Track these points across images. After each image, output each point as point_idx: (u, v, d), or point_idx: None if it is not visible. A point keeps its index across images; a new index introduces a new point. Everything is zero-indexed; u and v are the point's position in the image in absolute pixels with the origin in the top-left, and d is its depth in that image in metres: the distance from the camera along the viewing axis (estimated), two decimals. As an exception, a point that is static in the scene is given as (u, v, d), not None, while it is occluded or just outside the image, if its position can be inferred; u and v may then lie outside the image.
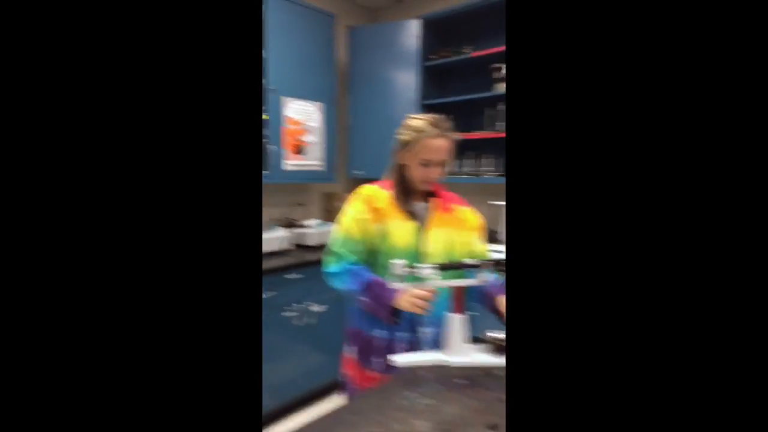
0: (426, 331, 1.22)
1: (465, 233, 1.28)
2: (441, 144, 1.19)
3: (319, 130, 2.73)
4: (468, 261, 1.10)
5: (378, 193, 1.26)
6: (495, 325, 1.17)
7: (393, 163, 1.28)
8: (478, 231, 1.32)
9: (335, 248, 1.23)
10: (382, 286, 1.12)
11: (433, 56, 2.73)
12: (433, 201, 1.27)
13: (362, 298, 1.15)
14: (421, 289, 1.07)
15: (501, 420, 0.83)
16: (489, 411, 0.87)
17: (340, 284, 1.22)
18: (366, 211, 1.23)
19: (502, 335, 1.13)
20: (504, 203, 2.39)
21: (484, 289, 1.20)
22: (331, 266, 1.23)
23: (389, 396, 0.93)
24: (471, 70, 2.71)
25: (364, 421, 0.83)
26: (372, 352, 1.22)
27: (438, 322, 1.20)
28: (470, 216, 1.32)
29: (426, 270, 1.05)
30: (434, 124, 1.20)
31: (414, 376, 1.02)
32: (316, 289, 2.35)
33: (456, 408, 0.88)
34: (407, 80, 2.76)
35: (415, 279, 1.10)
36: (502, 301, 1.16)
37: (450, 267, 1.07)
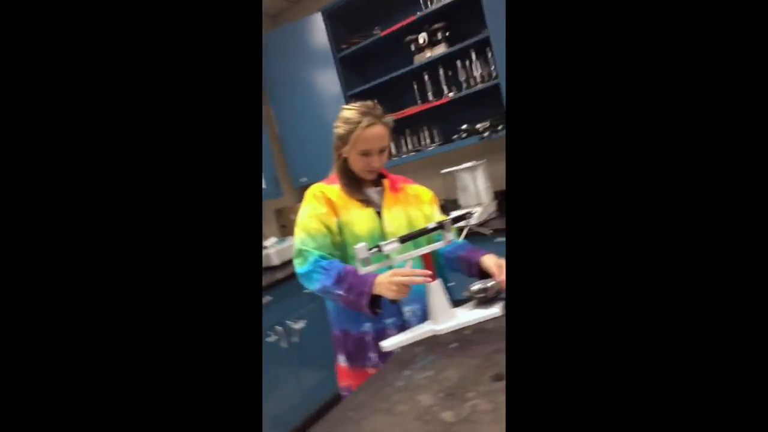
0: (411, 310, 1.17)
1: (421, 207, 1.27)
2: (377, 132, 1.16)
3: (252, 148, 2.63)
4: (426, 227, 1.06)
5: (328, 189, 1.22)
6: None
7: (335, 157, 1.24)
8: (432, 203, 1.30)
9: (301, 247, 1.16)
10: (355, 274, 1.07)
11: (345, 46, 2.69)
12: (383, 182, 1.24)
13: (338, 293, 1.09)
14: (398, 273, 1.02)
15: (503, 368, 0.80)
16: (490, 364, 0.84)
17: (314, 283, 1.14)
18: (321, 205, 1.19)
19: (481, 284, 1.10)
20: (454, 168, 2.39)
21: (461, 257, 1.18)
22: (301, 267, 1.16)
23: (387, 381, 0.88)
24: (387, 49, 2.69)
25: (368, 411, 0.78)
26: (365, 350, 1.17)
27: (420, 297, 1.16)
28: (421, 191, 1.31)
29: (389, 246, 1.01)
30: (366, 113, 1.17)
31: (408, 354, 0.98)
32: (292, 307, 2.27)
33: (456, 371, 0.84)
34: (326, 76, 2.70)
35: (381, 258, 1.05)
36: (487, 260, 1.13)
37: (411, 237, 1.03)
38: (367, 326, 1.17)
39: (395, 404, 0.79)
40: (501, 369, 0.81)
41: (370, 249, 1.00)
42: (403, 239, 1.02)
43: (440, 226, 1.05)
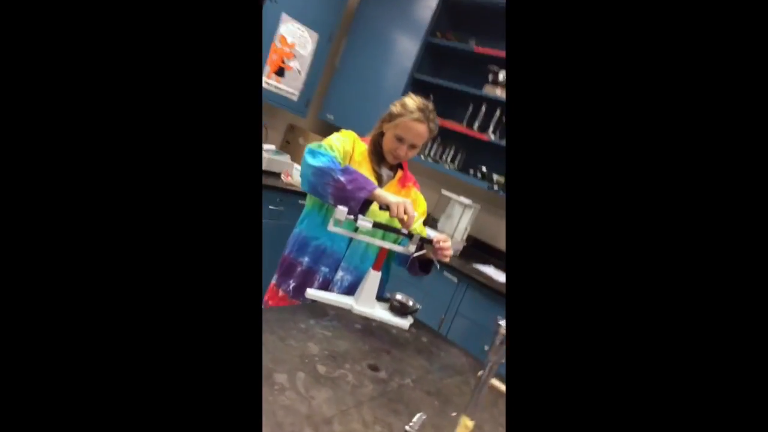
0: (343, 276, 1.31)
1: None
2: (420, 129, 1.27)
3: (307, 61, 2.69)
4: (400, 229, 1.20)
5: (359, 142, 1.34)
6: (406, 291, 1.30)
7: (377, 126, 1.35)
8: (422, 216, 1.43)
9: (320, 149, 1.23)
10: (362, 175, 1.16)
11: (439, 34, 2.76)
12: (398, 172, 1.36)
13: (338, 178, 1.13)
14: (408, 204, 1.12)
15: (381, 365, 0.96)
16: (374, 356, 0.99)
17: (318, 159, 1.18)
18: (350, 145, 1.30)
19: (404, 298, 1.25)
20: (454, 195, 2.53)
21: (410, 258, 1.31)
22: (312, 159, 1.19)
23: (295, 318, 1.02)
24: (468, 62, 2.78)
25: (267, 330, 0.92)
26: (289, 276, 1.31)
27: (355, 272, 1.30)
28: (420, 200, 1.43)
29: (363, 222, 1.14)
30: (422, 109, 1.28)
31: (320, 310, 1.12)
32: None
33: (346, 344, 0.99)
34: (407, 48, 2.77)
35: (350, 227, 1.18)
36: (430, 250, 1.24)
37: (384, 227, 1.17)
38: (306, 260, 1.30)
39: (289, 337, 0.93)
40: (379, 363, 0.96)
41: (348, 215, 1.13)
42: (377, 225, 1.15)
43: (410, 235, 1.19)
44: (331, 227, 1.15)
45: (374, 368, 0.94)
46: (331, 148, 1.26)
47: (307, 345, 0.93)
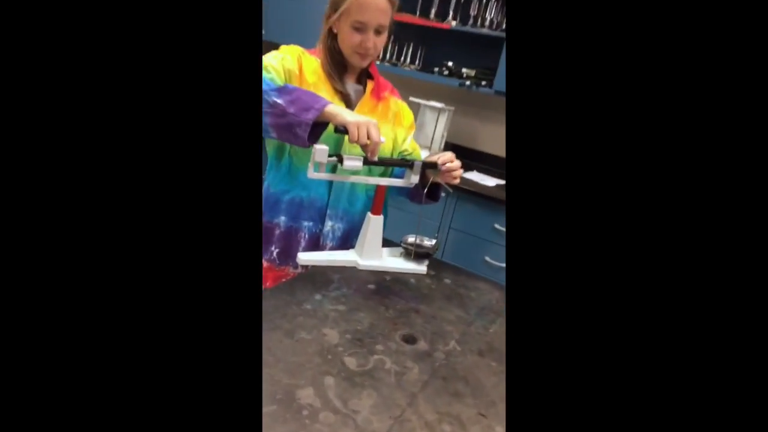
0: (333, 226, 1.09)
1: (397, 129, 1.12)
2: (378, 2, 0.95)
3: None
4: (399, 159, 0.96)
5: (307, 57, 1.02)
6: (392, 218, 1.09)
7: (323, 29, 1.03)
8: (410, 130, 1.18)
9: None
10: (307, 92, 0.88)
11: None
12: (369, 84, 1.07)
13: (276, 101, 0.85)
14: (373, 125, 0.85)
15: (416, 332, 0.78)
16: (403, 321, 0.81)
17: None
18: (293, 63, 0.99)
19: (418, 240, 1.06)
20: (423, 101, 2.25)
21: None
22: None
23: (296, 299, 0.81)
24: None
25: (268, 326, 0.71)
26: (269, 242, 1.07)
27: (347, 217, 1.08)
28: (404, 110, 1.15)
29: (351, 162, 0.89)
30: None
31: (322, 277, 0.91)
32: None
33: (368, 316, 0.80)
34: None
35: (337, 171, 0.94)
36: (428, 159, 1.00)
37: (378, 163, 0.93)
38: (282, 219, 1.06)
39: (298, 328, 0.72)
40: (413, 330, 0.78)
41: (331, 156, 0.88)
42: (370, 162, 0.91)
43: (409, 164, 0.96)
44: (312, 173, 0.89)
45: (410, 339, 0.76)
46: (265, 69, 0.94)
47: (322, 333, 0.72)
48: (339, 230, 1.09)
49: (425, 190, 1.01)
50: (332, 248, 1.08)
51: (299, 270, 1.05)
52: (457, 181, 1.03)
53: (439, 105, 2.21)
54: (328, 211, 1.06)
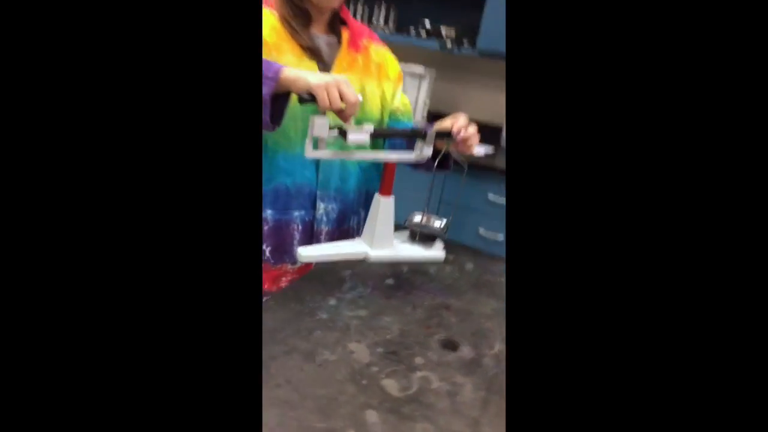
0: (326, 208, 0.93)
1: (382, 83, 0.95)
2: None
3: None
4: (410, 129, 0.82)
5: (263, 14, 0.84)
6: (411, 208, 0.96)
7: None
8: (398, 82, 1.01)
9: None
10: (269, 66, 0.71)
11: None
12: (343, 32, 0.90)
13: None
14: (344, 82, 0.69)
15: (454, 334, 0.65)
16: (436, 322, 0.68)
17: None
18: None
19: (425, 220, 0.92)
20: (402, 66, 2.08)
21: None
22: None
23: (307, 306, 0.67)
24: None
25: (281, 348, 0.57)
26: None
27: (340, 196, 0.93)
28: (388, 58, 0.98)
29: (357, 135, 0.74)
30: None
31: (331, 277, 0.77)
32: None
33: (396, 321, 0.67)
34: None
35: (339, 146, 0.78)
36: (440, 124, 0.85)
37: (388, 135, 0.78)
38: (269, 213, 0.89)
39: (318, 347, 0.58)
40: (450, 332, 0.66)
41: (332, 128, 0.72)
42: (378, 134, 0.76)
43: (422, 134, 0.81)
44: (311, 152, 0.73)
45: (450, 345, 0.63)
46: None
47: (348, 350, 0.59)
48: (333, 212, 0.94)
49: (436, 162, 0.87)
50: (328, 233, 0.93)
51: (298, 265, 0.90)
52: (473, 150, 0.90)
53: (419, 70, 2.05)
54: (319, 193, 0.91)
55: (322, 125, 0.71)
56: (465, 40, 2.05)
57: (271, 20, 0.84)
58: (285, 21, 0.84)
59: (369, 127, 0.75)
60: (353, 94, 0.70)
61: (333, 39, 0.90)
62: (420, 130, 0.81)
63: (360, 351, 0.59)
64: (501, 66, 2.19)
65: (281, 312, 0.65)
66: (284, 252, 0.90)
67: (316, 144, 0.73)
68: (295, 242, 0.91)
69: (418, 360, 0.59)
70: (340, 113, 0.71)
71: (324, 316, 0.65)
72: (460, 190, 1.95)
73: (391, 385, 0.54)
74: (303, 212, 0.91)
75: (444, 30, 2.08)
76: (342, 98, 0.68)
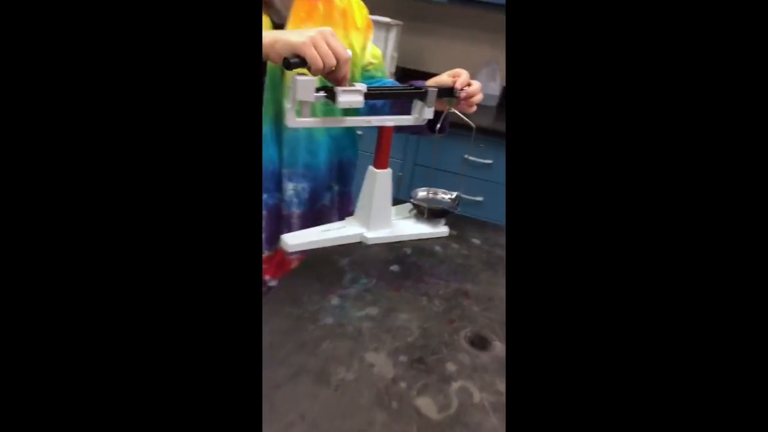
0: (296, 188, 0.79)
1: (349, 33, 0.81)
2: None
3: None
4: (409, 88, 0.69)
5: None
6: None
7: None
8: (367, 31, 0.87)
9: None
10: None
11: None
12: None
13: None
14: (328, 34, 0.57)
15: (482, 327, 0.56)
16: (458, 314, 0.59)
17: None
18: None
19: (431, 194, 0.82)
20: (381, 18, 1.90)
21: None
22: None
23: (307, 311, 0.55)
24: None
25: (288, 372, 0.45)
26: None
27: (310, 172, 0.80)
28: (356, 3, 0.84)
29: (349, 96, 0.61)
30: None
31: (327, 266, 0.65)
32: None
33: (414, 317, 0.57)
34: None
35: (328, 110, 0.65)
36: (436, 80, 0.75)
37: (383, 95, 0.65)
38: None
39: (331, 363, 0.48)
40: (475, 325, 0.57)
41: (319, 90, 0.59)
42: (371, 94, 0.63)
43: (422, 93, 0.69)
44: (293, 120, 0.60)
45: (480, 342, 0.54)
46: None
47: (368, 364, 0.48)
48: (305, 191, 0.81)
49: (439, 124, 0.76)
50: (300, 216, 0.80)
51: (271, 251, 0.78)
52: (474, 108, 0.79)
53: (385, 19, 1.87)
54: (285, 171, 0.77)
55: (307, 86, 0.57)
56: (433, -13, 1.89)
57: None
58: None
59: (362, 86, 0.62)
60: (343, 48, 0.57)
61: None
62: (420, 89, 0.69)
63: (381, 363, 0.49)
64: (472, 13, 2.05)
65: (277, 320, 0.53)
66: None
67: (300, 110, 0.59)
68: (263, 228, 0.78)
69: (450, 367, 0.49)
70: (331, 74, 0.57)
71: (329, 320, 0.54)
72: (417, 149, 1.84)
73: (427, 406, 0.44)
74: (267, 195, 0.78)
75: (409, -25, 1.90)
76: (334, 52, 0.55)
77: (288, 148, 0.76)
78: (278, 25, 0.72)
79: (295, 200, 0.80)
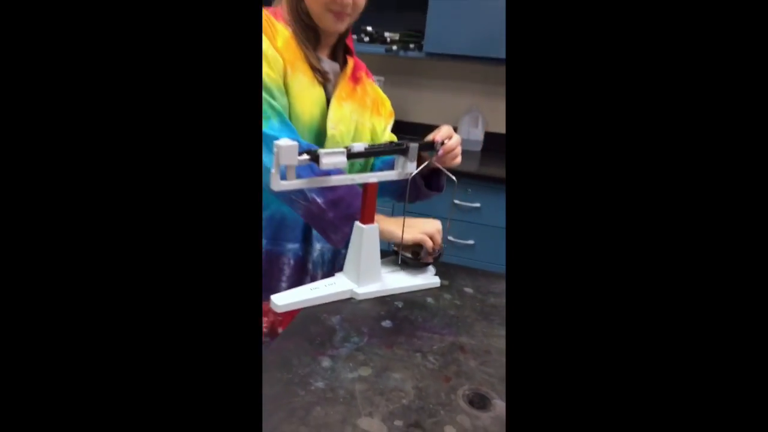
0: (322, 248, 0.85)
1: (373, 117, 0.90)
2: None
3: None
4: (390, 144, 0.71)
5: (274, 24, 0.74)
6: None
7: None
8: (389, 118, 0.96)
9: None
10: (352, 189, 0.73)
11: None
12: (349, 61, 0.84)
13: (314, 198, 0.71)
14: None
15: (479, 384, 0.55)
16: (454, 371, 0.57)
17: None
18: (268, 45, 0.72)
19: (413, 238, 0.82)
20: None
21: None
22: (264, 125, 0.70)
23: (297, 376, 0.53)
24: None
25: (273, 425, 0.43)
26: None
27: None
28: (382, 96, 0.94)
29: (332, 158, 0.62)
30: None
31: (320, 327, 0.64)
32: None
33: (406, 377, 0.55)
34: None
35: (312, 172, 0.66)
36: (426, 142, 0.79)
37: (367, 154, 0.66)
38: (263, 243, 0.80)
39: (323, 428, 0.46)
40: (473, 382, 0.55)
41: (302, 153, 0.60)
42: (353, 154, 0.64)
43: (403, 148, 0.71)
44: (277, 183, 0.61)
45: (479, 401, 0.53)
46: (265, 86, 0.70)
47: (361, 430, 0.46)
48: (329, 252, 0.85)
49: (418, 180, 0.78)
50: (322, 277, 0.82)
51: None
52: (458, 161, 0.81)
53: (368, 76, 1.95)
54: (315, 232, 0.81)
55: (289, 151, 0.58)
56: (411, 44, 1.98)
57: (285, 34, 0.75)
58: (297, 37, 0.76)
59: (342, 149, 0.63)
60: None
61: (336, 66, 0.83)
62: (401, 144, 0.71)
63: (375, 429, 0.47)
64: (448, 66, 2.14)
65: (266, 386, 0.51)
66: (269, 289, 0.78)
67: (285, 173, 0.60)
68: (284, 278, 0.81)
69: (449, 430, 0.48)
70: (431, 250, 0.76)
71: (320, 384, 0.52)
72: (449, 202, 1.87)
73: (426, 474, 0.42)
74: (297, 246, 0.82)
75: (388, 34, 2.00)
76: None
77: None
78: (327, 98, 0.80)
79: (320, 260, 0.85)
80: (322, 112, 0.79)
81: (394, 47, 1.95)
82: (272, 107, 0.70)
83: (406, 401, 0.51)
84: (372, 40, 2.02)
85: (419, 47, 1.95)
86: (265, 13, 0.75)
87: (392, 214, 1.90)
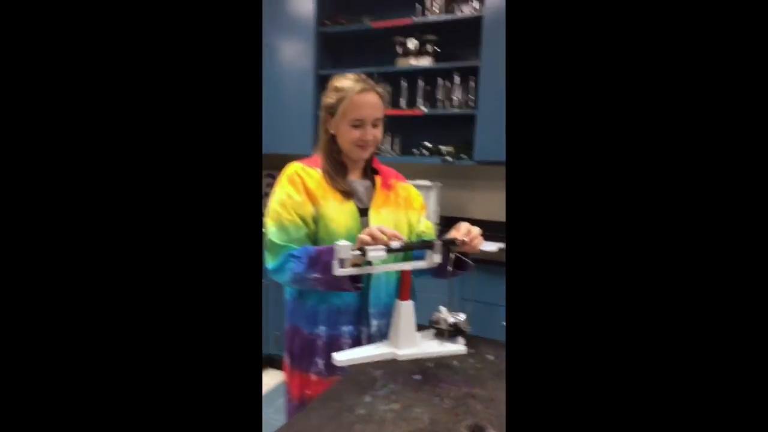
0: (378, 324, 1.07)
1: (408, 212, 1.16)
2: (370, 99, 1.05)
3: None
4: (420, 242, 0.97)
5: (307, 173, 1.07)
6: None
7: (320, 135, 1.11)
8: (421, 210, 1.21)
9: (272, 240, 1.01)
10: (328, 252, 0.93)
11: (328, 22, 2.52)
12: (377, 178, 1.12)
13: (314, 276, 0.95)
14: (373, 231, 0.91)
15: (481, 419, 0.73)
16: (463, 410, 0.76)
17: (286, 274, 0.99)
18: (298, 193, 1.04)
19: (448, 316, 1.03)
20: (410, 182, 2.33)
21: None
22: (272, 262, 1.02)
23: (345, 404, 0.76)
24: (371, 42, 2.57)
25: (325, 444, 0.65)
26: (313, 353, 1.04)
27: (385, 312, 1.05)
28: (413, 193, 1.21)
29: (375, 252, 0.89)
30: (360, 80, 1.06)
31: (365, 377, 0.87)
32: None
33: (426, 411, 0.75)
34: (300, 47, 2.50)
35: (363, 264, 0.93)
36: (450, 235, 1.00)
37: (401, 249, 0.93)
38: (322, 329, 1.05)
39: (360, 439, 0.67)
40: (476, 417, 0.73)
41: (353, 250, 0.88)
42: (393, 249, 0.91)
43: (430, 245, 0.96)
44: (337, 270, 0.88)
45: (478, 430, 0.71)
46: (282, 227, 1.01)
47: (386, 439, 0.67)
48: (384, 326, 1.06)
49: (451, 268, 1.01)
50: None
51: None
52: (480, 247, 1.03)
53: (426, 183, 2.28)
54: (371, 310, 1.05)
55: (344, 248, 0.87)
56: (462, 154, 2.31)
57: (316, 176, 1.07)
58: (326, 173, 1.07)
59: (383, 246, 0.91)
60: (379, 234, 0.91)
61: (368, 183, 1.13)
62: (429, 242, 0.96)
63: (396, 440, 0.67)
64: (495, 169, 2.43)
65: (324, 410, 0.74)
66: (335, 367, 0.97)
67: (342, 263, 0.88)
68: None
69: (449, 444, 0.66)
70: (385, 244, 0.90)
71: (362, 411, 0.74)
72: (474, 286, 2.05)
73: (426, 467, 0.61)
74: (351, 327, 1.05)
75: (442, 147, 2.36)
76: (383, 233, 0.91)
77: (374, 292, 1.05)
78: (362, 210, 1.07)
79: (377, 334, 1.06)
80: (356, 219, 1.04)
81: (448, 158, 2.29)
82: (287, 225, 1.00)
83: (422, 426, 0.71)
84: (430, 154, 2.39)
85: (469, 156, 2.27)
86: (297, 166, 1.07)
87: (449, 299, 2.09)
